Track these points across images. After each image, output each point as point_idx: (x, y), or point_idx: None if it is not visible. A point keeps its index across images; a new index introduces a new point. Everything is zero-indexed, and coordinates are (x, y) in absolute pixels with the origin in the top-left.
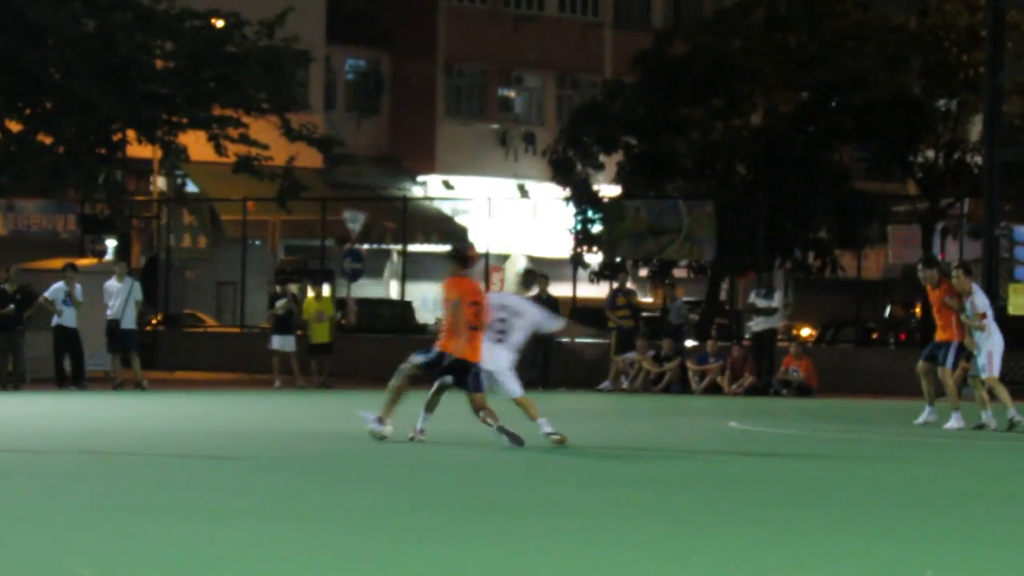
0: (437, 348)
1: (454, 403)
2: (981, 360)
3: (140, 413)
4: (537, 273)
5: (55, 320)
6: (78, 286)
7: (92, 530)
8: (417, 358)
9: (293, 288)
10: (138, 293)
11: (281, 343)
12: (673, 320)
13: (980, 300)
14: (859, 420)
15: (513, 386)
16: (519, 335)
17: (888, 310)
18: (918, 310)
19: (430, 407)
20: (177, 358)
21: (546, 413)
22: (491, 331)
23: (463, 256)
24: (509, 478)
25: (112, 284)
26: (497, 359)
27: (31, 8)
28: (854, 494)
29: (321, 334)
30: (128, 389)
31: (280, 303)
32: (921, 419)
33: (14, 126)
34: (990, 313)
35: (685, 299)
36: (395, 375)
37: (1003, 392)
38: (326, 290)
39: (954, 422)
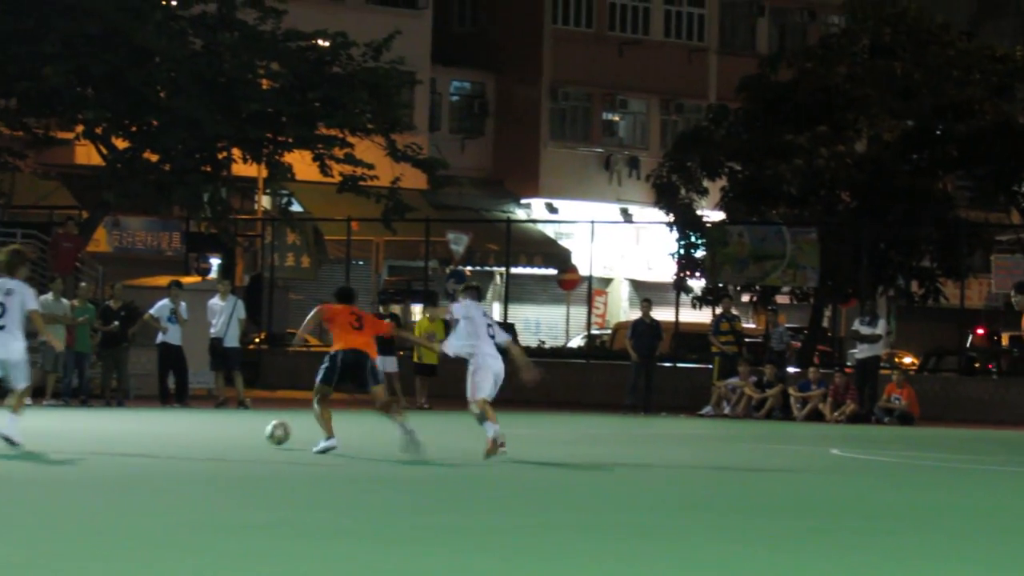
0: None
1: (555, 427)
2: None
3: (242, 431)
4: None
5: (160, 337)
6: (183, 304)
7: (193, 548)
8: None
9: (395, 309)
10: (241, 311)
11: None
12: (775, 346)
13: None
14: (961, 449)
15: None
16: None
17: (969, 340)
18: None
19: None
20: (279, 377)
21: (647, 438)
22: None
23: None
24: (608, 502)
25: (215, 302)
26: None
27: (137, 29)
28: (955, 524)
29: (429, 355)
30: (230, 407)
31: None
32: None
33: (120, 143)
34: None
35: (787, 325)
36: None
37: None
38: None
39: None
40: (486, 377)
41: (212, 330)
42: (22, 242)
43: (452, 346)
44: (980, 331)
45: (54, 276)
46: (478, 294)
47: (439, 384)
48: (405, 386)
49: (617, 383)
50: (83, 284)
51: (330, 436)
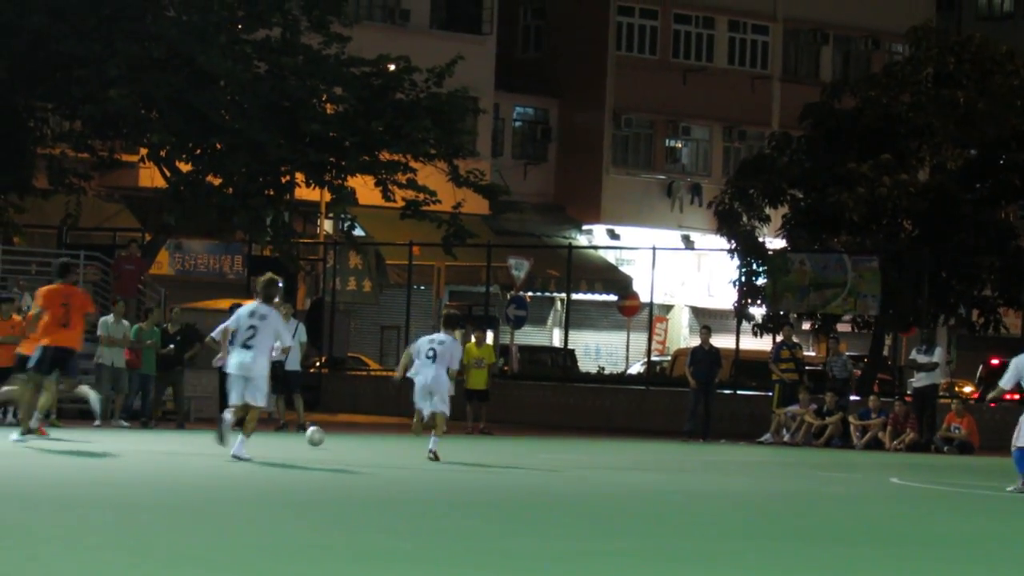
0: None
1: (615, 454)
2: None
3: (302, 455)
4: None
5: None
6: None
7: (254, 570)
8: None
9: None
10: (302, 335)
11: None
12: (837, 374)
13: None
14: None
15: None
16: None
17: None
18: None
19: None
20: (340, 401)
21: (706, 465)
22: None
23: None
24: (667, 529)
25: None
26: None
27: (202, 52)
28: (1015, 553)
29: (478, 380)
30: (291, 431)
31: None
32: None
33: (184, 166)
34: None
35: (848, 354)
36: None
37: None
38: (489, 337)
39: None
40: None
41: (273, 353)
42: (86, 264)
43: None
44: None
45: (117, 298)
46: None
47: (498, 408)
48: (458, 410)
49: (676, 410)
50: (155, 308)
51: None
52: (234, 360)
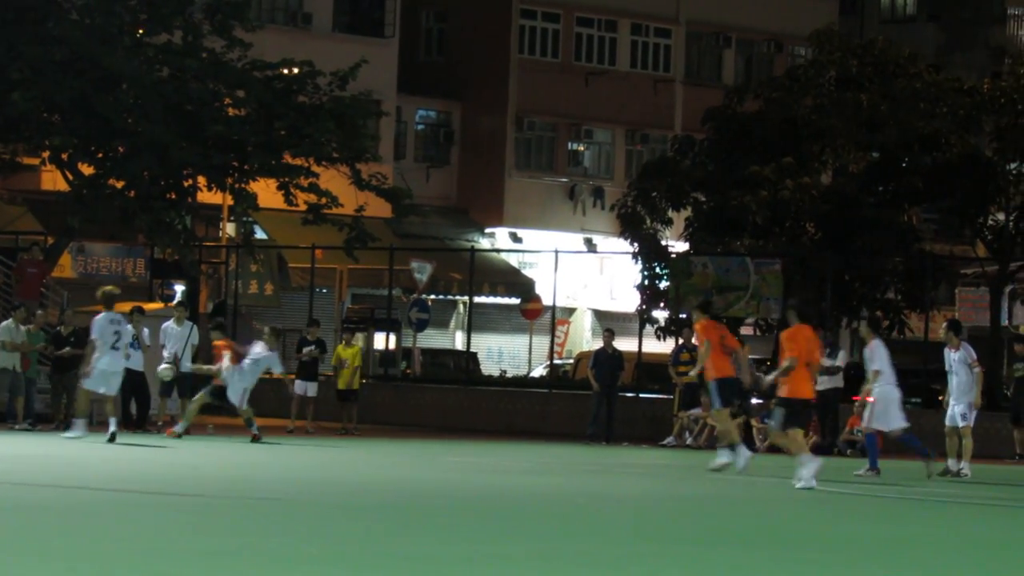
0: None
1: (516, 456)
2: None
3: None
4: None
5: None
6: (145, 330)
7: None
8: None
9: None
10: (195, 337)
11: (305, 388)
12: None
13: None
14: (923, 481)
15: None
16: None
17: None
18: None
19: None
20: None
21: (608, 468)
22: None
23: None
24: (567, 532)
25: (171, 327)
26: None
27: (105, 55)
28: (915, 555)
29: (346, 380)
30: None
31: (307, 349)
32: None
33: (86, 169)
34: None
35: (751, 357)
36: None
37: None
38: (358, 339)
39: None
40: None
41: (165, 354)
42: None
43: None
44: None
45: (16, 304)
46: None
47: (400, 411)
48: (329, 411)
49: (579, 413)
50: (39, 312)
51: None
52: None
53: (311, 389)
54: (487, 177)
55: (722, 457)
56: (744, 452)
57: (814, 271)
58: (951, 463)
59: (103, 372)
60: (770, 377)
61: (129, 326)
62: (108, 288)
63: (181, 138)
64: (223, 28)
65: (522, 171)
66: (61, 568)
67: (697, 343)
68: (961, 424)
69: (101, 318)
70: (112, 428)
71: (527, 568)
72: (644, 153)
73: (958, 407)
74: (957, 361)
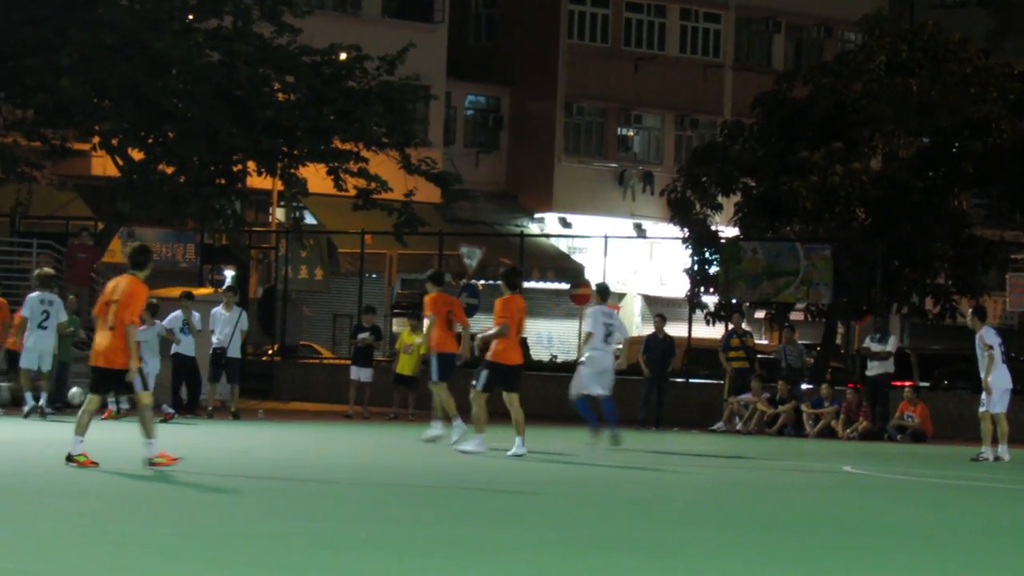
0: None
1: (565, 442)
2: None
3: (256, 442)
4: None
5: (173, 348)
6: (196, 315)
7: (200, 557)
8: None
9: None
10: (244, 323)
11: (359, 373)
12: (791, 363)
13: None
14: (973, 467)
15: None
16: None
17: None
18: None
19: None
20: (292, 389)
21: (658, 453)
22: None
23: None
24: (617, 517)
25: (219, 312)
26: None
27: (155, 40)
28: (966, 541)
29: (405, 366)
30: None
31: (362, 336)
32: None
33: (136, 155)
34: None
35: (801, 342)
36: None
37: None
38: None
39: None
40: None
41: (214, 339)
42: (39, 252)
43: None
44: None
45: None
46: None
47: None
48: (383, 397)
49: (629, 398)
50: (71, 297)
51: None
52: None
53: (364, 375)
54: (536, 162)
55: (434, 429)
56: (460, 426)
57: (864, 256)
58: (984, 450)
59: (32, 349)
60: (479, 337)
61: (62, 304)
62: (44, 270)
63: (231, 123)
64: (273, 14)
65: (571, 156)
66: (113, 552)
67: (425, 315)
68: (980, 409)
69: (32, 297)
70: (30, 404)
71: (574, 553)
72: (694, 138)
73: (984, 393)
74: (977, 346)
